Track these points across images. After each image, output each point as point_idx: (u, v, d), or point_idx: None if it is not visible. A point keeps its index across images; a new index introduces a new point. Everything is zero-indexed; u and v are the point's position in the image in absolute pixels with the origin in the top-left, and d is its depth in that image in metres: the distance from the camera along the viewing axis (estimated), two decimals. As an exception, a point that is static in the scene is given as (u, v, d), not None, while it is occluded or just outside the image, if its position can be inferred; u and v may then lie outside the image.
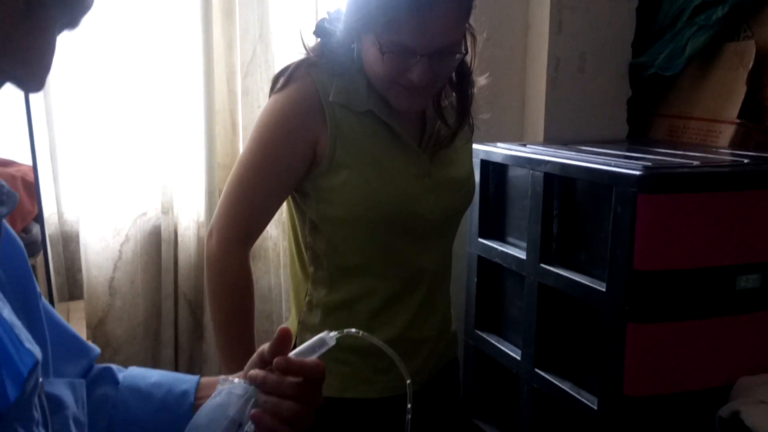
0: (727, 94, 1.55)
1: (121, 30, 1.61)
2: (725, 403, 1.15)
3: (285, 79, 1.14)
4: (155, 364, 1.74)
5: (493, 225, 1.54)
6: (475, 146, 1.53)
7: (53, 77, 1.63)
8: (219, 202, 1.18)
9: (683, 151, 1.36)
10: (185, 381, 0.72)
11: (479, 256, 1.55)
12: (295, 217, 1.21)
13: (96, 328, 1.67)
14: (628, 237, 1.10)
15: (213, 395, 0.66)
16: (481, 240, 1.54)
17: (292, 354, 0.67)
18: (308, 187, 1.15)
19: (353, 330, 0.70)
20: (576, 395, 1.26)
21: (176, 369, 1.74)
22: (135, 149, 1.67)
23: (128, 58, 1.63)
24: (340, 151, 1.11)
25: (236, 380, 0.67)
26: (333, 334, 0.68)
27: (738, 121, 1.51)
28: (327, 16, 1.16)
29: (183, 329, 1.76)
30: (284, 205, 1.22)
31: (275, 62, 1.71)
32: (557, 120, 1.70)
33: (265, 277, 1.80)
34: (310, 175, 1.14)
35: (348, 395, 1.19)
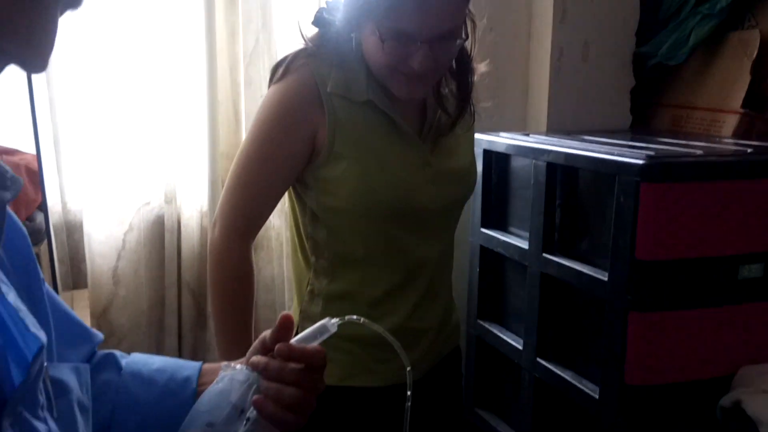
0: (730, 84, 1.55)
1: (123, 20, 1.61)
2: (727, 393, 1.16)
3: (283, 70, 1.14)
4: (159, 353, 1.74)
5: (496, 215, 1.54)
6: (477, 136, 1.53)
7: (56, 66, 1.63)
8: (222, 193, 1.19)
9: (686, 140, 1.36)
10: (188, 367, 0.73)
11: (481, 246, 1.55)
12: (296, 207, 1.21)
13: (100, 317, 1.68)
14: (630, 226, 1.10)
15: (215, 381, 0.66)
16: (483, 230, 1.54)
17: (293, 341, 0.67)
18: (308, 178, 1.15)
19: (354, 317, 0.70)
20: (578, 384, 1.26)
21: (180, 357, 1.75)
22: (138, 139, 1.67)
23: (131, 48, 1.63)
24: (338, 142, 1.11)
25: (238, 367, 0.67)
26: (334, 320, 0.69)
27: (742, 110, 1.50)
28: (326, 6, 1.16)
29: (186, 318, 1.77)
30: (286, 194, 1.22)
31: (278, 52, 1.71)
32: (560, 109, 1.70)
33: (268, 267, 1.81)
34: (310, 166, 1.14)
35: (349, 384, 1.19)
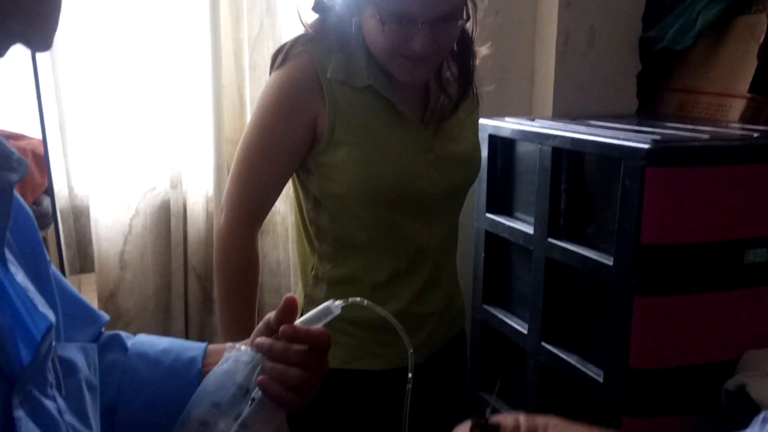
0: (737, 68, 1.54)
1: (128, 5, 1.61)
2: (731, 377, 1.16)
3: (282, 57, 1.14)
4: (165, 336, 1.76)
5: (501, 200, 1.54)
6: (483, 121, 1.53)
7: (61, 51, 1.63)
8: (227, 180, 1.19)
9: (693, 125, 1.35)
10: (193, 348, 0.73)
11: (486, 231, 1.55)
12: (300, 192, 1.22)
13: (107, 301, 1.70)
14: (636, 211, 1.09)
15: (220, 362, 0.67)
16: (488, 215, 1.54)
17: (297, 322, 0.68)
18: (310, 164, 1.15)
19: (358, 299, 0.71)
20: (582, 368, 1.26)
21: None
22: (144, 124, 1.67)
23: (136, 32, 1.62)
24: (339, 128, 1.11)
25: (243, 348, 0.68)
26: (338, 302, 0.69)
27: (749, 95, 1.49)
28: None
29: (193, 302, 1.78)
30: (291, 180, 1.22)
31: (282, 36, 1.71)
32: (566, 94, 1.69)
33: (274, 252, 1.81)
34: (312, 152, 1.14)
35: (353, 366, 1.20)
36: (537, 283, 1.36)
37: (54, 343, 0.57)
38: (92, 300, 1.63)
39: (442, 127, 1.19)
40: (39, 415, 0.52)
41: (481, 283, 1.59)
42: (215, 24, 1.65)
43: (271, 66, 1.16)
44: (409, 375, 0.71)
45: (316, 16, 1.16)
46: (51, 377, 0.56)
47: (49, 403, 0.53)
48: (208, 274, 1.78)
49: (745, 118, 1.49)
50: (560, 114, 1.67)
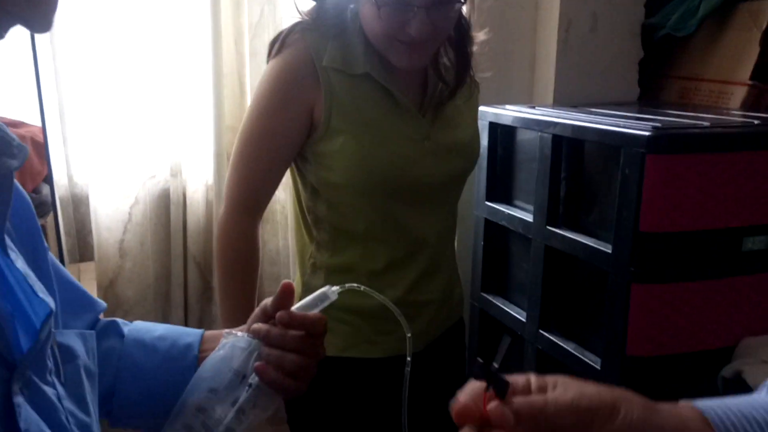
0: (739, 55, 1.53)
1: (127, -9, 1.60)
2: (728, 364, 1.16)
3: (278, 45, 1.13)
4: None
5: (501, 188, 1.54)
6: (483, 108, 1.52)
7: (61, 39, 1.63)
8: (228, 170, 1.19)
9: (694, 112, 1.35)
10: (189, 334, 0.74)
11: (486, 219, 1.55)
12: (298, 181, 1.22)
13: (107, 289, 1.70)
14: (635, 198, 1.09)
15: (217, 348, 0.68)
16: (488, 203, 1.54)
17: (294, 308, 0.68)
18: (307, 153, 1.15)
19: (355, 285, 0.71)
20: (580, 356, 1.27)
21: (186, 329, 1.78)
22: (143, 113, 1.67)
23: (136, 20, 1.62)
24: (335, 117, 1.11)
25: (240, 334, 0.68)
26: (335, 288, 0.70)
27: (750, 82, 1.49)
28: None
29: (192, 291, 1.78)
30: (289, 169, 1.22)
31: (283, 23, 1.70)
32: (567, 81, 1.68)
33: (273, 240, 1.82)
34: (309, 141, 1.14)
35: (350, 354, 1.21)
36: (536, 271, 1.37)
37: (53, 330, 0.57)
38: (92, 288, 1.64)
39: (440, 115, 1.19)
40: (38, 401, 0.52)
41: (480, 271, 1.59)
42: (216, 11, 1.64)
43: (268, 54, 1.15)
44: (408, 359, 0.71)
45: (312, 3, 1.15)
46: (50, 364, 0.56)
47: (48, 390, 0.54)
48: (208, 262, 1.78)
49: (747, 105, 1.49)
50: (561, 101, 1.67)
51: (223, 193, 1.41)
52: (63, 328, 0.62)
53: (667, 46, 1.73)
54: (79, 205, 1.78)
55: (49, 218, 1.52)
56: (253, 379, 0.65)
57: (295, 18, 1.16)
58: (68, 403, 0.56)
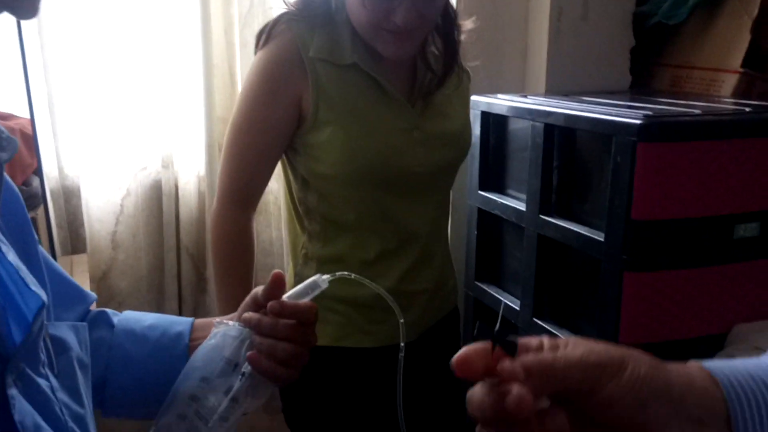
0: (730, 43, 1.53)
1: (116, -19, 1.59)
2: (720, 350, 1.17)
3: (265, 36, 1.13)
4: (159, 316, 1.77)
5: (494, 177, 1.54)
6: (475, 98, 1.52)
7: (49, 30, 1.61)
8: (219, 162, 1.19)
9: (685, 100, 1.35)
10: (179, 323, 0.74)
11: (479, 209, 1.55)
12: (289, 172, 1.22)
13: (100, 282, 1.70)
14: (627, 187, 1.10)
15: (208, 338, 0.68)
16: (481, 192, 1.54)
17: (285, 297, 0.68)
18: (297, 144, 1.15)
19: (346, 273, 0.71)
20: (573, 343, 1.27)
21: (180, 321, 1.77)
22: (133, 104, 1.66)
23: (125, 11, 1.61)
24: (323, 108, 1.11)
25: (231, 323, 0.68)
26: (325, 277, 0.70)
27: (741, 70, 1.49)
28: None
29: (186, 282, 1.78)
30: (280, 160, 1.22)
31: (273, 13, 1.68)
32: (559, 70, 1.68)
33: (266, 231, 1.81)
34: (298, 132, 1.14)
35: (344, 344, 1.21)
36: (529, 260, 1.37)
37: (45, 323, 0.57)
38: (85, 280, 1.63)
39: (429, 105, 1.19)
40: (32, 392, 0.52)
41: (473, 260, 1.60)
42: (205, 1, 1.63)
43: (256, 46, 1.15)
44: (401, 344, 0.72)
45: None
46: (43, 356, 0.56)
47: (41, 381, 0.54)
48: (201, 254, 1.78)
49: (738, 93, 1.49)
50: (553, 90, 1.67)
51: (215, 185, 1.41)
52: (55, 321, 0.62)
53: (659, 34, 1.74)
54: (70, 197, 1.77)
55: (40, 210, 1.51)
56: (246, 368, 0.66)
57: (283, 8, 1.15)
58: (62, 395, 0.56)
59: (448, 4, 1.14)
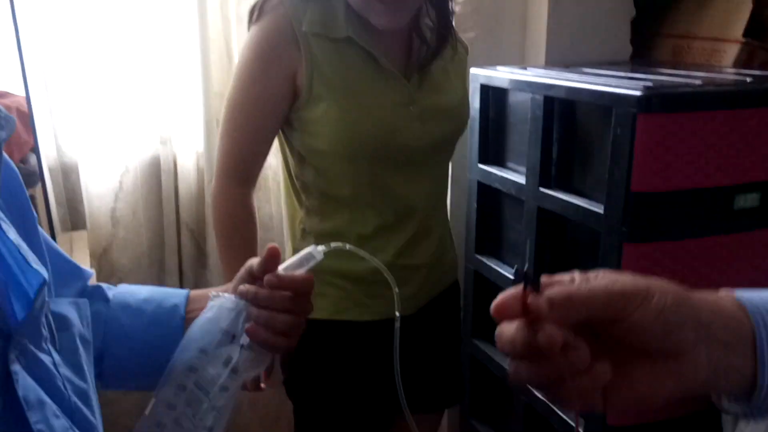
0: (732, 13, 1.51)
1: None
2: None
3: (258, 12, 1.12)
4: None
5: (493, 150, 1.53)
6: (474, 71, 1.51)
7: (44, 7, 1.59)
8: (217, 139, 1.19)
9: (686, 71, 1.34)
10: (175, 295, 0.74)
11: (479, 182, 1.55)
12: (286, 148, 1.21)
13: (100, 258, 1.70)
14: (626, 158, 1.09)
15: (205, 311, 0.69)
16: (480, 166, 1.54)
17: (281, 268, 0.69)
18: (293, 119, 1.14)
19: (340, 244, 0.71)
20: (573, 315, 1.28)
21: (182, 297, 1.78)
22: (131, 80, 1.65)
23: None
24: (317, 83, 1.10)
25: (226, 295, 0.69)
26: (321, 248, 0.70)
27: (743, 39, 1.47)
28: None
29: (186, 258, 1.79)
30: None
31: (269, -14, 1.67)
32: (559, 41, 1.66)
33: (266, 206, 1.81)
34: (294, 107, 1.13)
35: (343, 317, 1.22)
36: (528, 233, 1.37)
37: (47, 299, 0.58)
38: (85, 257, 1.63)
39: (425, 79, 1.18)
40: (35, 368, 0.53)
41: (473, 233, 1.60)
42: (200, -26, 1.61)
43: (249, 21, 1.14)
44: (397, 314, 0.72)
45: None
46: (45, 332, 0.56)
47: (44, 357, 0.54)
48: (201, 229, 1.78)
49: (739, 63, 1.48)
50: (553, 61, 1.65)
51: (213, 160, 1.40)
52: (55, 297, 0.63)
53: (660, 5, 1.72)
54: (68, 174, 1.76)
55: (38, 188, 1.51)
56: (245, 339, 0.67)
57: None
58: (65, 370, 0.56)
59: None
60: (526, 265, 0.46)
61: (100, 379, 0.71)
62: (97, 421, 0.59)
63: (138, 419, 0.67)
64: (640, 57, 1.74)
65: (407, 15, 1.12)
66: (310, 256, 0.70)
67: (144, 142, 1.70)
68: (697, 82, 1.17)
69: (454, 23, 1.20)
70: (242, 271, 0.71)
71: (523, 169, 1.39)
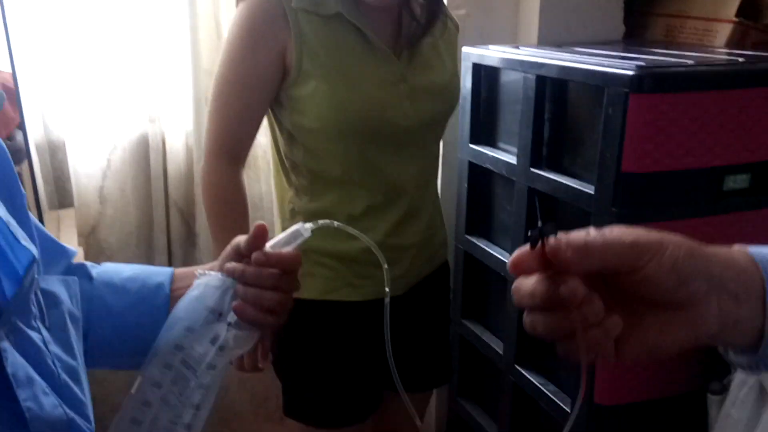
0: (725, -8, 1.51)
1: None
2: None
3: None
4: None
5: (484, 130, 1.53)
6: (466, 49, 1.50)
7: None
8: (206, 117, 1.18)
9: (679, 51, 1.34)
10: (159, 273, 0.74)
11: (470, 162, 1.55)
12: (275, 127, 1.20)
13: (88, 236, 1.69)
14: (618, 139, 1.09)
15: (191, 289, 0.68)
16: (471, 146, 1.53)
17: (268, 245, 0.68)
18: (282, 97, 1.13)
19: (328, 221, 0.71)
20: (562, 295, 1.29)
21: (171, 276, 1.78)
22: (119, 57, 1.63)
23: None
24: (306, 60, 1.09)
25: (212, 273, 0.69)
26: (308, 225, 0.70)
27: (736, 19, 1.47)
28: None
29: (175, 237, 1.78)
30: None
31: (259, -39, 1.64)
32: (552, 20, 1.65)
33: (255, 185, 1.81)
34: (283, 85, 1.12)
35: (332, 297, 1.22)
36: (519, 213, 1.37)
37: (36, 277, 0.57)
38: (72, 235, 1.62)
39: (415, 56, 1.17)
40: (24, 346, 0.52)
41: (463, 213, 1.60)
42: (188, -52, 1.58)
43: None
44: (386, 289, 0.72)
45: None
46: (35, 309, 0.56)
47: (33, 335, 0.54)
48: (190, 208, 1.77)
49: (732, 43, 1.48)
50: (546, 41, 1.64)
51: (203, 138, 1.39)
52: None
53: (653, -17, 1.71)
54: (56, 151, 1.74)
55: (24, 165, 1.49)
56: (232, 317, 0.67)
57: None
58: (54, 348, 0.56)
59: None
60: (539, 223, 0.47)
61: (84, 358, 0.71)
62: (87, 398, 0.59)
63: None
64: (633, 37, 1.74)
65: None
66: (297, 234, 0.69)
67: (132, 120, 1.69)
68: (690, 62, 1.17)
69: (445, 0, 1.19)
70: (228, 248, 0.71)
71: (514, 149, 1.39)
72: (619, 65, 1.12)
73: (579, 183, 1.22)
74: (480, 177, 1.54)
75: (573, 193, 1.22)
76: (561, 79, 1.24)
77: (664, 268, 0.45)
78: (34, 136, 1.68)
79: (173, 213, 1.76)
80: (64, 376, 0.55)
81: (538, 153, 1.32)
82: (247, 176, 1.78)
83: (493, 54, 1.44)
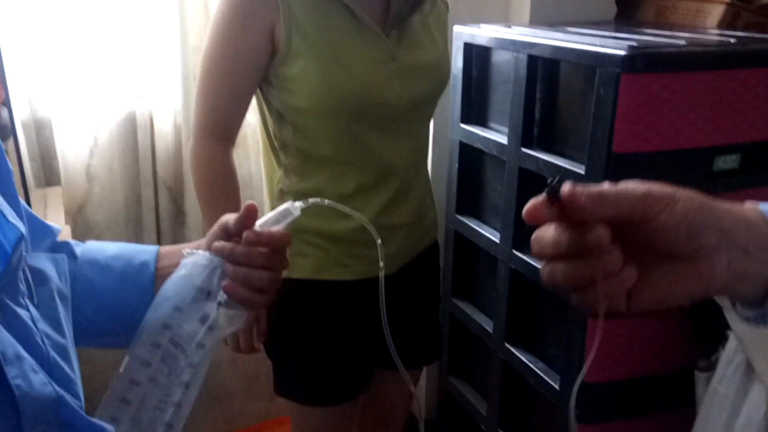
0: (718, -28, 1.50)
1: None
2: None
3: None
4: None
5: (476, 110, 1.52)
6: (458, 28, 1.49)
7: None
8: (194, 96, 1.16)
9: (671, 31, 1.34)
10: (144, 252, 0.73)
11: (461, 142, 1.54)
12: (264, 106, 1.19)
13: (76, 215, 1.67)
14: (609, 119, 1.09)
15: (178, 268, 0.68)
16: (462, 125, 1.53)
17: (258, 224, 0.68)
18: (271, 76, 1.12)
19: (318, 199, 0.71)
20: (551, 275, 1.29)
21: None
22: (105, 33, 1.60)
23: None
24: (295, 39, 1.08)
25: (200, 252, 0.68)
26: (298, 204, 0.69)
27: (727, 1, 1.47)
28: None
29: (164, 215, 1.77)
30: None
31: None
32: (544, 0, 1.64)
33: (245, 164, 1.79)
34: (272, 64, 1.11)
35: (322, 277, 1.22)
36: (509, 193, 1.37)
37: (24, 254, 0.56)
38: (59, 213, 1.61)
39: (405, 36, 1.16)
40: (13, 323, 0.52)
41: (454, 193, 1.60)
42: None
43: None
44: (380, 264, 0.72)
45: None
46: (23, 287, 0.55)
47: (22, 312, 0.53)
48: (179, 187, 1.76)
49: (724, 24, 1.47)
50: (538, 20, 1.63)
51: (191, 116, 1.37)
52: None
53: (646, -37, 1.70)
54: (42, 128, 1.72)
55: (10, 142, 1.47)
56: (221, 296, 0.66)
57: None
58: (43, 325, 0.56)
59: None
60: (557, 177, 0.47)
61: None
62: (76, 376, 0.58)
63: (116, 376, 0.66)
64: (625, 17, 1.73)
65: None
66: (287, 212, 0.69)
67: (119, 98, 1.66)
68: (681, 42, 1.17)
69: None
70: (215, 227, 0.70)
71: (505, 129, 1.39)
72: (610, 45, 1.11)
73: (570, 163, 1.22)
74: (471, 157, 1.54)
75: (563, 173, 1.22)
76: (552, 59, 1.24)
77: (675, 218, 0.46)
78: (21, 113, 1.66)
79: (162, 192, 1.74)
80: (52, 353, 0.55)
81: (529, 133, 1.32)
82: (236, 155, 1.76)
83: (484, 33, 1.43)
